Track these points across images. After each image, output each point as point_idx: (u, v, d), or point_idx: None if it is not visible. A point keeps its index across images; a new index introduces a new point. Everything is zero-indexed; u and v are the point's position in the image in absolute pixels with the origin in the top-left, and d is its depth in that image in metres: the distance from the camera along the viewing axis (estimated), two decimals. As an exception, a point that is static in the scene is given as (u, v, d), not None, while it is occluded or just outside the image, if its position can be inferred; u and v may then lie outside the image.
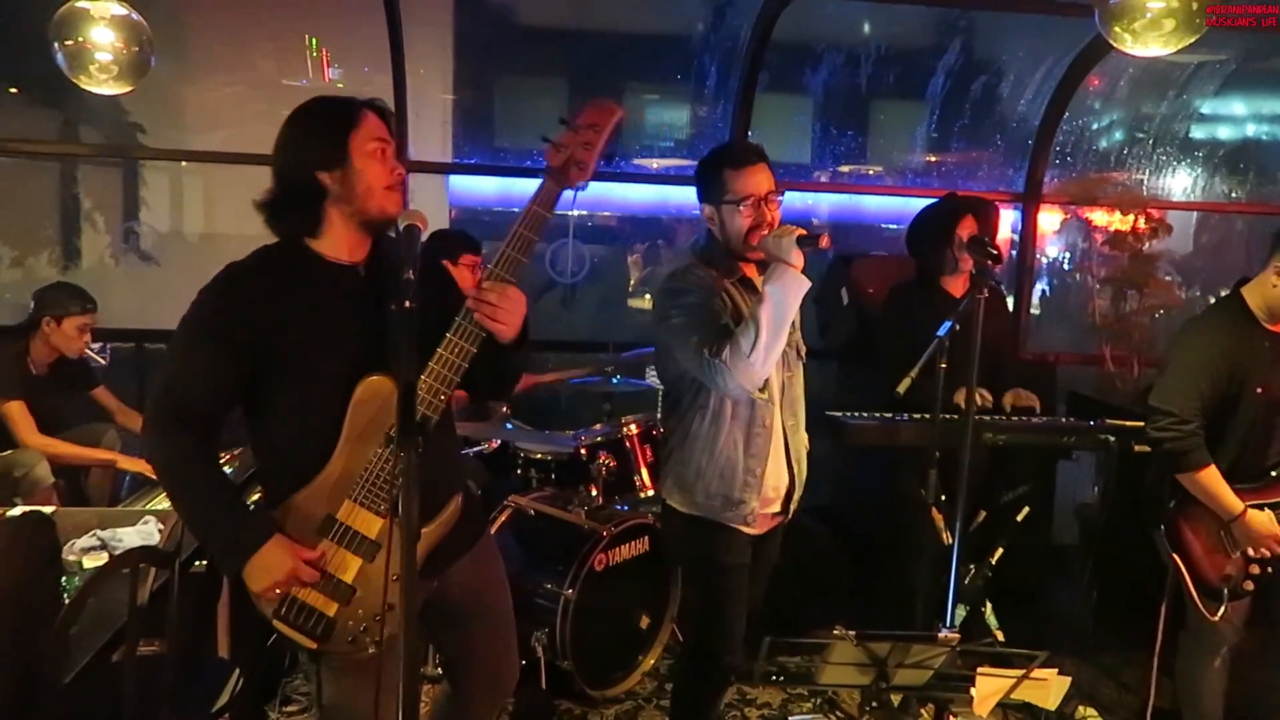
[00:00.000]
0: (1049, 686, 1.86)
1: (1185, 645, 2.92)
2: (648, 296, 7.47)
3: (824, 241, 2.25)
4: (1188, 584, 2.76)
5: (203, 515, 1.82)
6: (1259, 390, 2.70)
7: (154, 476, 3.31)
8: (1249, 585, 2.74)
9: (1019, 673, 1.84)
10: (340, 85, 5.31)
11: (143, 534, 2.52)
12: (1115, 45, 2.54)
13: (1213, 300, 3.10)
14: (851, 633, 1.81)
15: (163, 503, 3.11)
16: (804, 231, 2.26)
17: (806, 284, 2.24)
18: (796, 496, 2.56)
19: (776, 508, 2.51)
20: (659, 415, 3.84)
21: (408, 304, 1.58)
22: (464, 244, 3.64)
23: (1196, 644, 2.88)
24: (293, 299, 1.84)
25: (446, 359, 1.81)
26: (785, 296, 2.20)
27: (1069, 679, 1.90)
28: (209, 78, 5.25)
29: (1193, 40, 2.42)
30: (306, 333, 1.83)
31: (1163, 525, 2.82)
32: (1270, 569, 2.74)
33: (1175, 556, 2.79)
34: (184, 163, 5.54)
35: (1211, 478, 2.69)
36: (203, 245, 5.74)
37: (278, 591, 1.80)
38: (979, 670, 1.88)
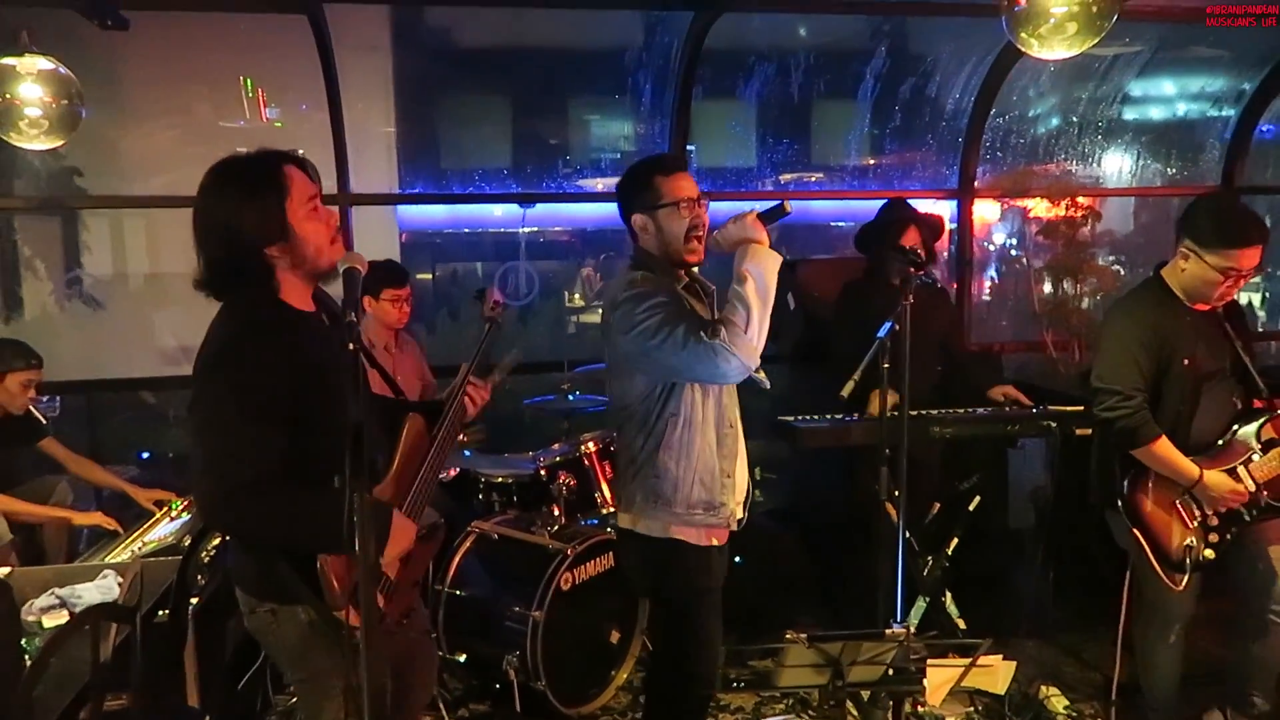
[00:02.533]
0: (997, 672, 1.93)
1: (1142, 621, 3.00)
2: (601, 310, 7.51)
3: (787, 207, 2.31)
4: (1150, 558, 2.82)
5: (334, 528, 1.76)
6: (1186, 362, 2.79)
7: (110, 527, 3.35)
8: (1210, 554, 2.81)
9: (966, 661, 1.91)
10: (278, 125, 5.30)
11: (102, 589, 2.51)
12: (1023, 50, 2.64)
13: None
14: (803, 635, 1.86)
15: (121, 555, 3.09)
16: (758, 211, 2.32)
17: (779, 259, 2.27)
18: (750, 496, 2.60)
19: (741, 510, 2.54)
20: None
21: (351, 346, 1.62)
22: (386, 278, 3.63)
23: (1153, 619, 2.96)
24: (299, 351, 1.88)
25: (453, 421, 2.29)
26: (764, 272, 2.23)
27: (1014, 663, 1.97)
28: (145, 123, 5.22)
29: (1095, 41, 2.53)
30: (319, 379, 1.89)
31: (1120, 503, 2.87)
32: (1229, 535, 2.82)
33: (1136, 532, 2.84)
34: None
35: (1166, 448, 2.77)
36: (148, 289, 5.69)
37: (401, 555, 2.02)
38: (929, 662, 1.95)
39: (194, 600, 2.66)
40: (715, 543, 2.48)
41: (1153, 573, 2.85)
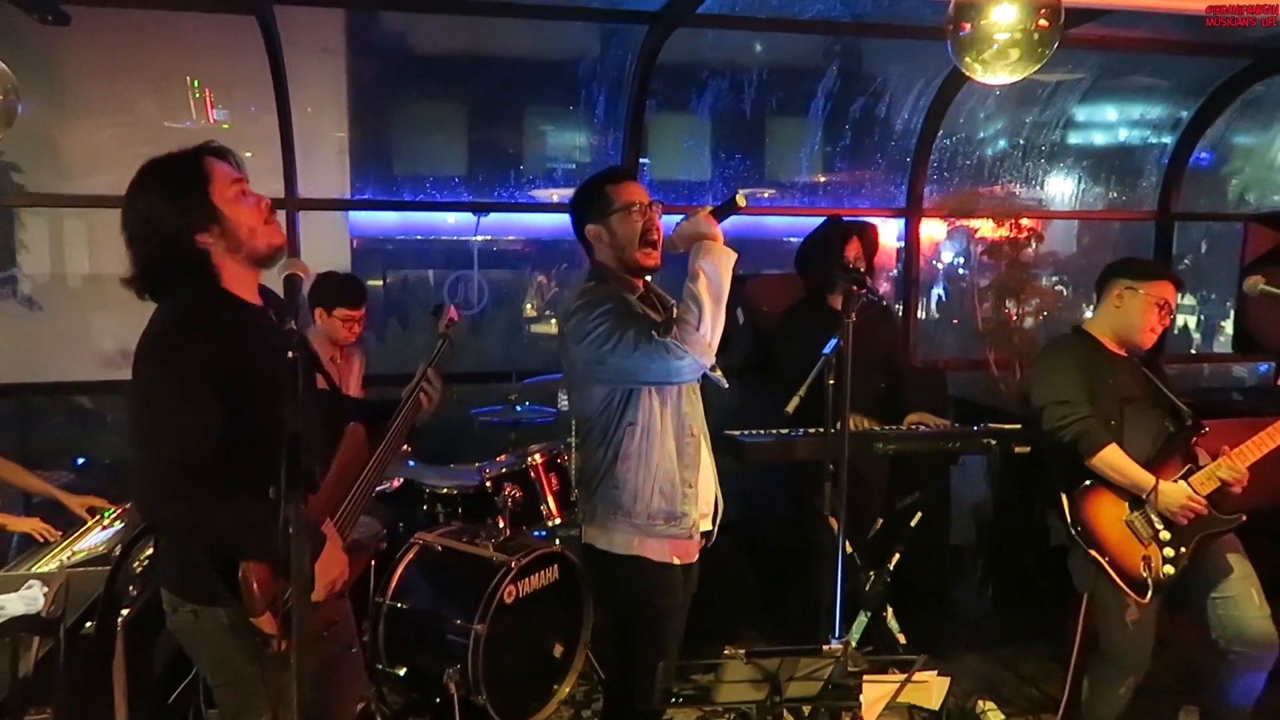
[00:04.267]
0: (930, 688, 1.96)
1: (1094, 669, 2.99)
2: (554, 321, 7.50)
3: (740, 200, 2.32)
4: (1113, 576, 2.82)
5: (261, 535, 1.71)
6: (1110, 381, 2.92)
7: (42, 537, 3.24)
8: (1169, 570, 2.82)
9: (901, 678, 1.93)
10: (225, 126, 5.22)
11: (27, 600, 2.42)
12: (967, 74, 2.71)
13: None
14: (741, 651, 1.87)
15: (49, 564, 3.00)
16: (711, 207, 2.33)
17: (733, 255, 2.29)
18: (720, 509, 2.60)
19: (708, 524, 2.54)
20: (567, 444, 3.88)
21: (291, 354, 1.60)
22: (343, 296, 3.61)
23: (1106, 670, 2.96)
24: (239, 339, 1.85)
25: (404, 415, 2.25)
26: (717, 269, 2.25)
27: (948, 679, 2.00)
28: (86, 120, 5.10)
29: (1037, 67, 2.61)
30: (258, 372, 1.83)
31: (1076, 529, 2.88)
32: (1183, 549, 2.83)
33: (1093, 553, 2.84)
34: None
35: (1118, 455, 2.83)
36: (87, 290, 5.56)
37: (334, 587, 1.93)
38: (865, 677, 1.97)
39: (124, 612, 2.59)
40: (677, 560, 2.45)
41: (1114, 619, 2.84)
